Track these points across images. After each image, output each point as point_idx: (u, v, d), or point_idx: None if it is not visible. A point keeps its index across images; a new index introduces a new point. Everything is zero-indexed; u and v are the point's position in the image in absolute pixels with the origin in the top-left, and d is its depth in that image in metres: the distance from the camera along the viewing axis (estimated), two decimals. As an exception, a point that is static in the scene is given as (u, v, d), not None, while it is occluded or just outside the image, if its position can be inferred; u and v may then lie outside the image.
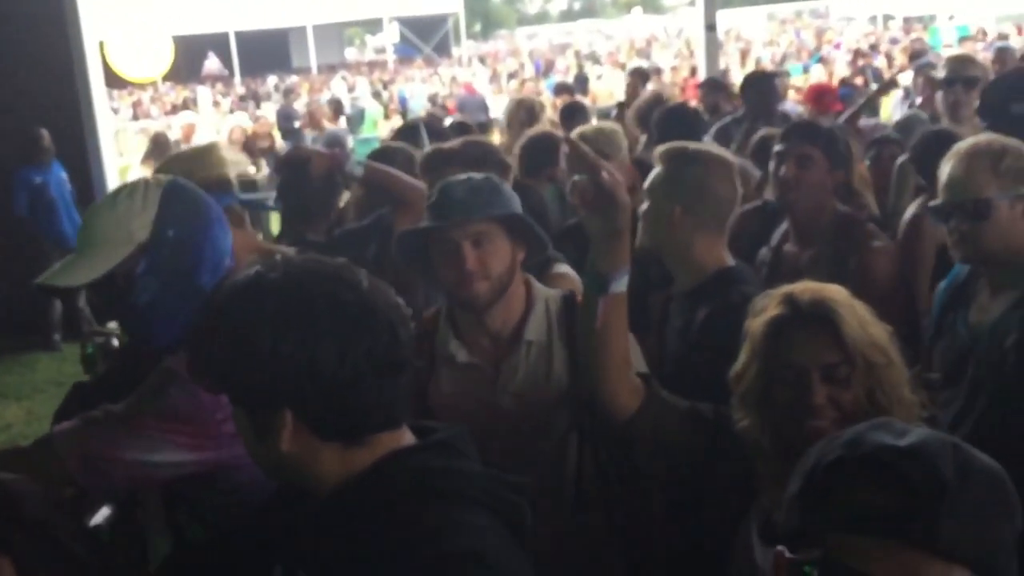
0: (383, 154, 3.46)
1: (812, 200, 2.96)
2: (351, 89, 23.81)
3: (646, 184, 2.51)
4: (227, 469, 1.72)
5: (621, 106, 7.61)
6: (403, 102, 20.55)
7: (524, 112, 5.72)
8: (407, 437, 1.29)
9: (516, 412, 2.11)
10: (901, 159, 4.05)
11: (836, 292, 1.71)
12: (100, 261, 1.72)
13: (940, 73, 4.59)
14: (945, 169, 2.29)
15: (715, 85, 7.05)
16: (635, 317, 1.97)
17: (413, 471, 1.23)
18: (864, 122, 6.02)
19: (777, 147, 3.02)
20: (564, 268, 2.60)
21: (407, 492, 1.21)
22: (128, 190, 1.78)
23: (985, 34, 22.14)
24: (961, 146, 2.29)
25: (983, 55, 16.53)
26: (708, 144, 2.51)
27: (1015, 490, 1.05)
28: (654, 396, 1.92)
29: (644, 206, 2.48)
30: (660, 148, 2.55)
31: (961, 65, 4.42)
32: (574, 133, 3.56)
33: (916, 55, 14.01)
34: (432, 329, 2.26)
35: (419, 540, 1.17)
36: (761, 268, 3.05)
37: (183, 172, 2.12)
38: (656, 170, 2.49)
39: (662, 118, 4.69)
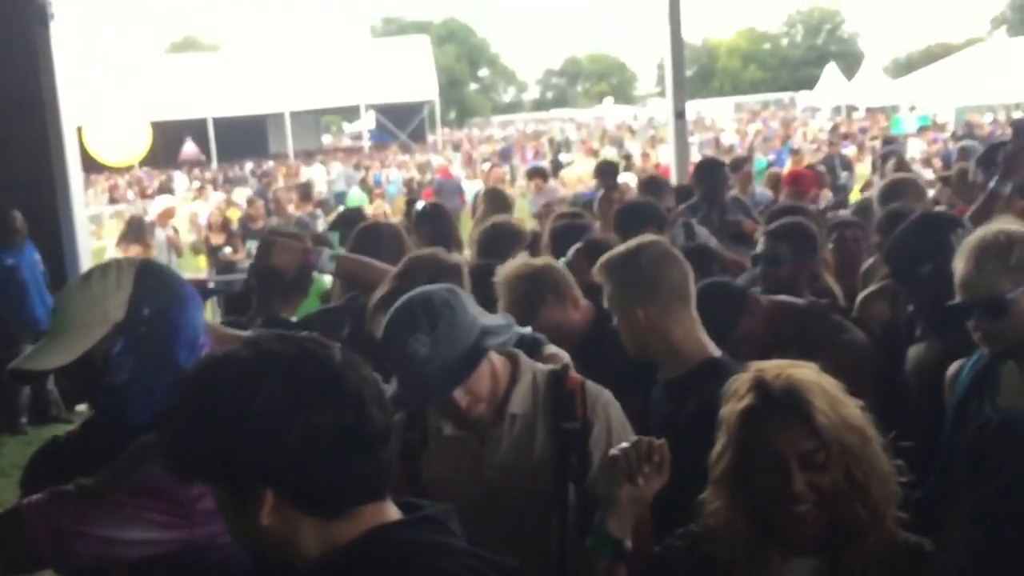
0: (369, 231, 3.48)
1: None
2: (329, 174, 24.11)
3: (605, 303, 2.56)
4: (200, 549, 1.68)
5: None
6: (378, 185, 20.85)
7: (489, 200, 5.99)
8: (392, 512, 1.29)
9: (501, 485, 2.11)
10: (867, 264, 4.07)
11: (805, 375, 1.73)
12: (76, 343, 1.71)
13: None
14: (958, 267, 2.30)
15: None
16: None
17: (399, 546, 1.23)
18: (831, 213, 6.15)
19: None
20: (553, 348, 2.62)
21: (391, 567, 1.21)
22: (101, 271, 1.78)
23: (942, 127, 22.90)
24: (969, 243, 2.28)
25: (936, 146, 17.05)
26: (635, 240, 2.56)
27: None
28: None
29: (615, 321, 2.53)
30: (596, 268, 2.58)
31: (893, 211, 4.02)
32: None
33: (888, 141, 14.45)
34: None
35: None
36: (730, 366, 3.05)
37: None
38: (603, 287, 2.54)
39: (623, 214, 4.71)
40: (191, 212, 14.04)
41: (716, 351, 2.48)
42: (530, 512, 2.10)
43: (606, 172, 8.30)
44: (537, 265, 2.98)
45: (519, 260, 2.94)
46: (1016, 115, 21.88)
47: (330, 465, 1.20)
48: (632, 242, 2.55)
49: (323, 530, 1.23)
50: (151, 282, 1.77)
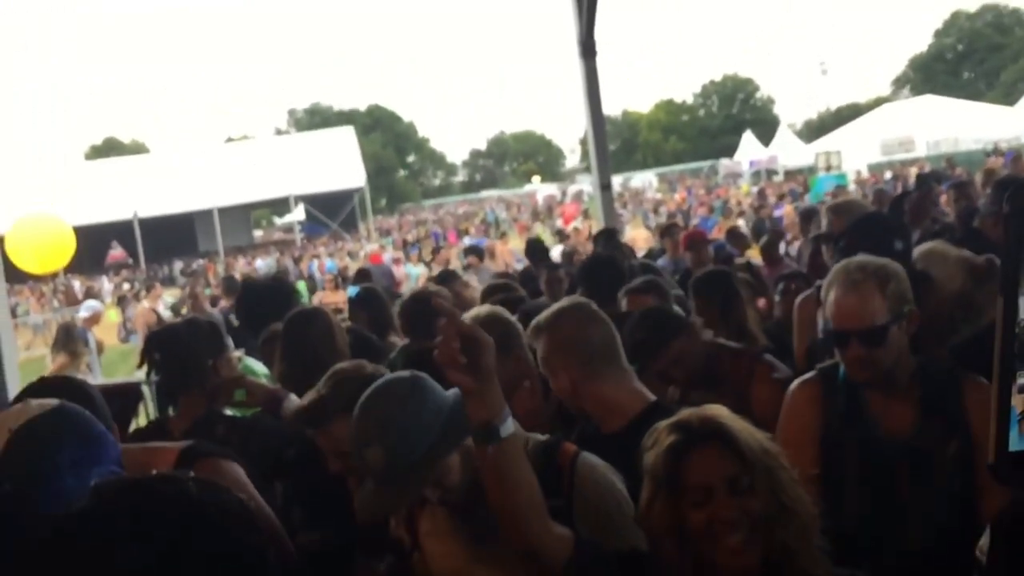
0: (299, 320, 3.44)
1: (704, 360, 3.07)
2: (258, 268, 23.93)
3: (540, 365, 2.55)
4: None
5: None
6: (311, 278, 20.73)
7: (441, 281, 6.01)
8: None
9: (495, 564, 2.02)
10: (802, 296, 4.16)
11: (719, 409, 1.77)
12: None
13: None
14: (833, 295, 2.32)
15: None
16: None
17: None
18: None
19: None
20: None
21: None
22: None
23: (864, 178, 23.73)
24: (847, 272, 2.32)
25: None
26: (556, 305, 2.56)
27: None
28: (584, 546, 1.85)
29: (552, 383, 2.52)
30: (528, 332, 2.58)
31: (844, 216, 4.19)
32: None
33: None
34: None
35: None
36: (672, 408, 3.08)
37: None
38: (537, 350, 2.53)
39: (585, 270, 4.72)
40: (140, 308, 13.65)
41: (652, 396, 2.46)
42: None
43: (535, 251, 8.43)
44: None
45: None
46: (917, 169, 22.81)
47: None
48: (555, 305, 2.55)
49: None
50: (19, 452, 1.71)
